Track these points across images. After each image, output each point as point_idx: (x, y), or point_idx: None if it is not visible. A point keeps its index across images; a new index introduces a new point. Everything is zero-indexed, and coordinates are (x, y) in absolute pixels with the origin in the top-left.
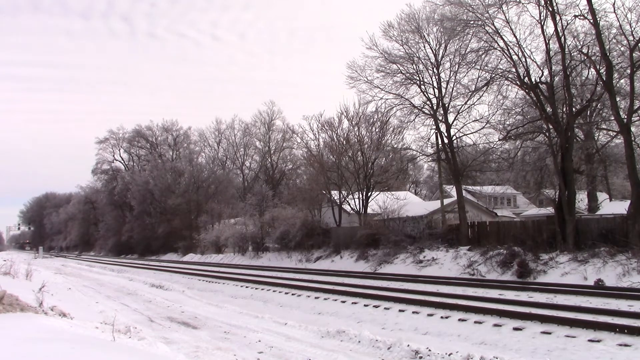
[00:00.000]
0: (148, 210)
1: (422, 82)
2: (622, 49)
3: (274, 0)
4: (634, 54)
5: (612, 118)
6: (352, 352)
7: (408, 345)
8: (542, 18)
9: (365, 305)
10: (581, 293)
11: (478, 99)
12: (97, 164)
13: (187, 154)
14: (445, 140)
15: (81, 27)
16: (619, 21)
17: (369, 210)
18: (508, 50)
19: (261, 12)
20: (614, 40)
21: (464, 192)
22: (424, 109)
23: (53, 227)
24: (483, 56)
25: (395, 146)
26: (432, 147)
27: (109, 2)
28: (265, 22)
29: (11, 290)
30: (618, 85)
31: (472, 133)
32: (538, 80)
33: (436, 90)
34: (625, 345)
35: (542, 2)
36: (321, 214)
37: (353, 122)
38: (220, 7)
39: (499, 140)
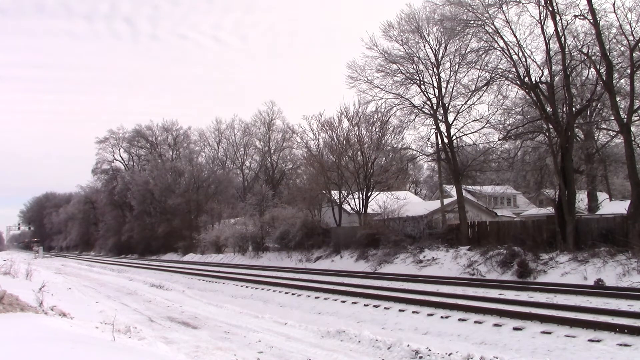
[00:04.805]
0: (148, 210)
1: (422, 82)
2: (622, 48)
3: (276, 3)
4: (634, 54)
5: (612, 118)
6: (352, 352)
7: (408, 345)
8: (542, 18)
9: (365, 305)
10: (581, 293)
11: (478, 99)
12: (97, 164)
13: (187, 154)
14: (445, 140)
15: (84, 29)
16: (619, 21)
17: (369, 210)
18: (508, 50)
19: (263, 15)
20: (614, 40)
21: (464, 192)
22: (424, 109)
23: (53, 227)
24: (483, 56)
25: (395, 146)
26: (432, 147)
27: (112, 4)
28: (267, 24)
29: (11, 290)
30: (618, 85)
31: (472, 133)
32: (538, 80)
33: (436, 90)
34: (625, 345)
35: (542, 2)
36: (321, 214)
37: (353, 122)
38: (222, 9)
39: (499, 140)
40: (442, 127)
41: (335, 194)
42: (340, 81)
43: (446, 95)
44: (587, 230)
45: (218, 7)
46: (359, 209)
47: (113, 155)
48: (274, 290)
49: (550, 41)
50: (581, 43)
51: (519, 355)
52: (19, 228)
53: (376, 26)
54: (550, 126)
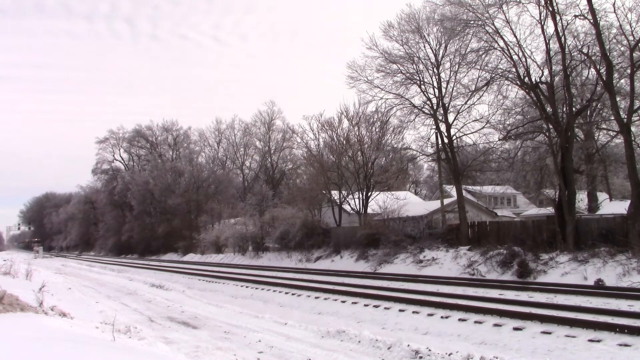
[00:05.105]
0: (148, 210)
1: (422, 82)
2: (622, 49)
3: (276, 3)
4: (634, 54)
5: (612, 118)
6: (352, 352)
7: (408, 345)
8: (542, 18)
9: (365, 305)
10: (581, 293)
11: (478, 99)
12: (97, 164)
13: (187, 154)
14: (445, 140)
15: (84, 29)
16: (619, 21)
17: (369, 210)
18: (508, 50)
19: (263, 15)
20: (614, 40)
21: (464, 192)
22: (424, 109)
23: (53, 227)
24: (483, 56)
25: (395, 146)
26: (432, 147)
27: (112, 4)
28: (267, 24)
29: (11, 290)
30: (618, 85)
31: (472, 133)
32: (538, 80)
33: (436, 90)
34: (626, 345)
35: (542, 2)
36: (321, 214)
37: (353, 122)
38: (222, 10)
39: (499, 140)
40: (442, 127)
41: (335, 194)
42: (340, 81)
43: (446, 95)
44: (587, 230)
45: (218, 7)
46: (359, 209)
47: (113, 155)
48: (274, 290)
49: (550, 41)
50: (581, 43)
51: (519, 355)
52: (19, 228)
53: (376, 26)
54: (550, 126)
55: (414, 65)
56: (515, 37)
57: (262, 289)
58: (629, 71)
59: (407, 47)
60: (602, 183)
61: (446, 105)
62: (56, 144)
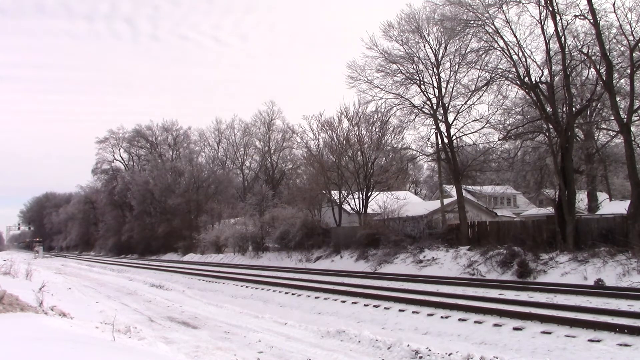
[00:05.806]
0: (148, 210)
1: (422, 82)
2: (622, 48)
3: (276, 3)
4: (634, 54)
5: (612, 118)
6: (352, 352)
7: (408, 345)
8: (542, 18)
9: (365, 305)
10: (581, 293)
11: (478, 99)
12: (97, 164)
13: (187, 154)
14: (445, 140)
15: (84, 29)
16: (619, 21)
17: (369, 210)
18: (508, 50)
19: (263, 15)
20: (614, 40)
21: (464, 192)
22: (424, 109)
23: (53, 227)
24: (483, 56)
25: (395, 146)
26: (432, 147)
27: (112, 4)
28: (267, 24)
29: (11, 290)
30: (618, 85)
31: (472, 133)
32: (538, 80)
33: (436, 90)
34: (625, 345)
35: (542, 2)
36: (321, 213)
37: (353, 122)
38: (222, 10)
39: (499, 140)
40: (442, 127)
41: (335, 194)
42: (340, 81)
43: (446, 95)
44: (587, 230)
45: (218, 8)
46: (359, 209)
47: (113, 155)
48: (274, 290)
49: (550, 41)
50: (581, 43)
51: (519, 355)
52: (19, 228)
53: (376, 26)
54: (550, 126)
55: (413, 65)
56: (515, 37)
57: (262, 289)
58: (629, 71)
59: (407, 47)
60: (602, 183)
61: (446, 105)
62: (56, 144)
